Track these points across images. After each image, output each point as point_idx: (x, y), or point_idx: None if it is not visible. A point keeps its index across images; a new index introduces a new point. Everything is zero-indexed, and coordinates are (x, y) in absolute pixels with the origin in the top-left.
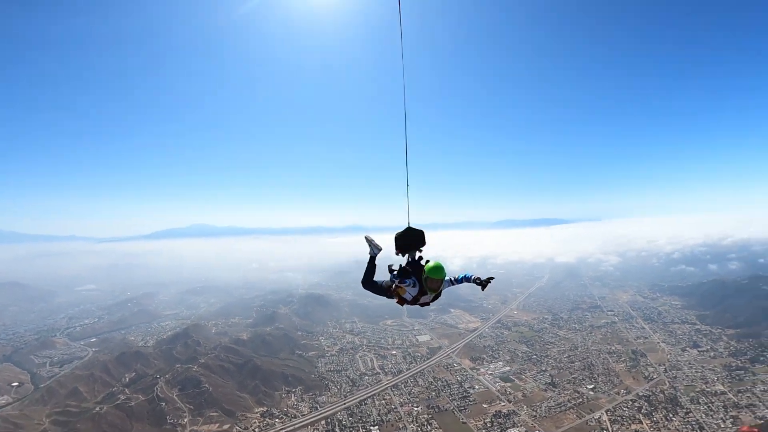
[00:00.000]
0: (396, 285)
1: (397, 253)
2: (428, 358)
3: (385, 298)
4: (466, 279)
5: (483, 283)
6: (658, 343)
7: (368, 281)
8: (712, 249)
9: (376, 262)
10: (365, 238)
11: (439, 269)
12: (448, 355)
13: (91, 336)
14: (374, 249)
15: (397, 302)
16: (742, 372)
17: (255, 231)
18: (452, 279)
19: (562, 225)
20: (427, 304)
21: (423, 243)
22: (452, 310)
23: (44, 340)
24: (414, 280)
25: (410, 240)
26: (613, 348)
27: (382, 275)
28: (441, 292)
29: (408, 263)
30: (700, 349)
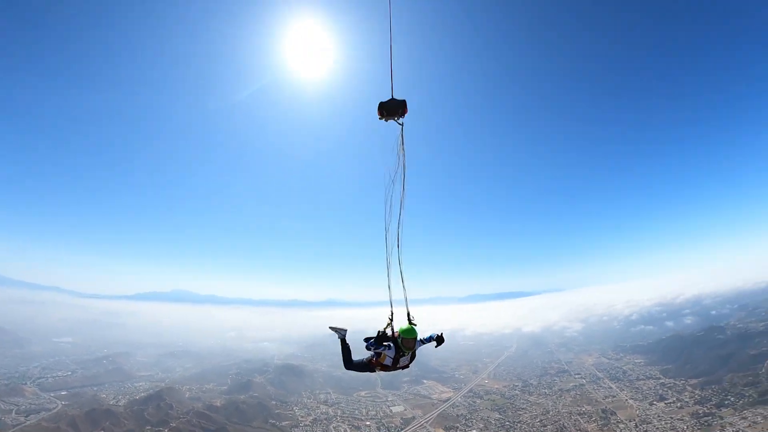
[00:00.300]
0: (376, 353)
1: (379, 118)
2: (402, 429)
3: (368, 373)
4: (431, 339)
5: (440, 339)
6: (626, 400)
7: (348, 362)
8: (667, 307)
9: (348, 341)
10: (329, 328)
11: (411, 330)
12: (421, 425)
13: (62, 389)
14: (340, 332)
15: (379, 370)
16: (710, 417)
17: (235, 301)
18: (422, 339)
19: (527, 297)
20: (407, 366)
21: (404, 109)
22: (425, 381)
23: (14, 386)
24: (390, 344)
25: (394, 106)
26: (584, 409)
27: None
28: (415, 352)
29: (382, 334)
30: (666, 402)
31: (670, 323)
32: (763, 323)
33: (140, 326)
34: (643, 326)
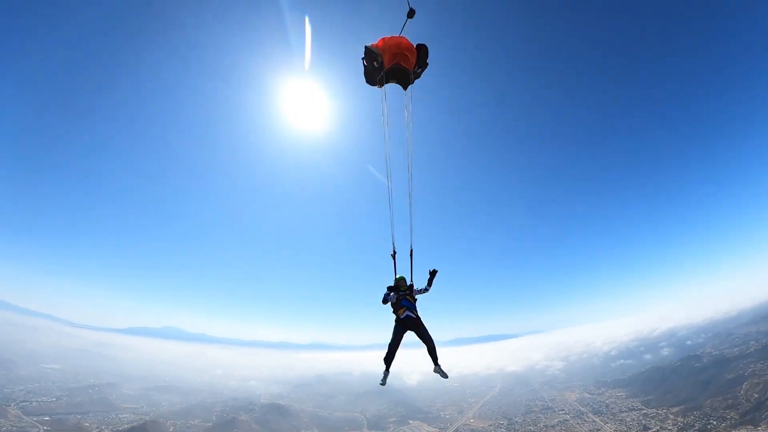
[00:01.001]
0: (393, 306)
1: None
2: None
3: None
4: (425, 290)
5: (432, 275)
6: None
7: (389, 357)
8: (644, 342)
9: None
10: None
11: (401, 278)
12: None
13: (45, 414)
14: (384, 379)
15: (402, 321)
16: None
17: (224, 341)
18: (418, 288)
19: (509, 340)
20: (407, 293)
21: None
22: (411, 422)
23: None
24: (391, 293)
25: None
26: None
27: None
28: (413, 294)
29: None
30: (650, 431)
31: (648, 356)
32: (738, 348)
33: (129, 359)
34: (622, 361)
